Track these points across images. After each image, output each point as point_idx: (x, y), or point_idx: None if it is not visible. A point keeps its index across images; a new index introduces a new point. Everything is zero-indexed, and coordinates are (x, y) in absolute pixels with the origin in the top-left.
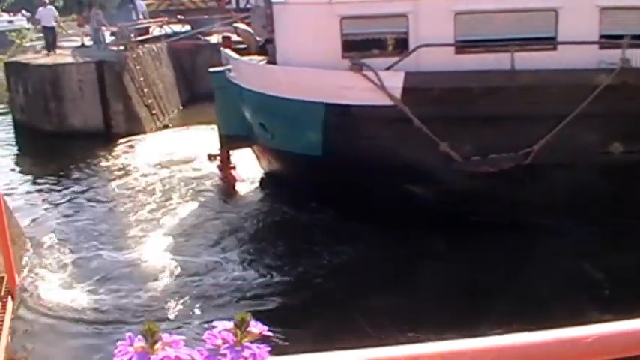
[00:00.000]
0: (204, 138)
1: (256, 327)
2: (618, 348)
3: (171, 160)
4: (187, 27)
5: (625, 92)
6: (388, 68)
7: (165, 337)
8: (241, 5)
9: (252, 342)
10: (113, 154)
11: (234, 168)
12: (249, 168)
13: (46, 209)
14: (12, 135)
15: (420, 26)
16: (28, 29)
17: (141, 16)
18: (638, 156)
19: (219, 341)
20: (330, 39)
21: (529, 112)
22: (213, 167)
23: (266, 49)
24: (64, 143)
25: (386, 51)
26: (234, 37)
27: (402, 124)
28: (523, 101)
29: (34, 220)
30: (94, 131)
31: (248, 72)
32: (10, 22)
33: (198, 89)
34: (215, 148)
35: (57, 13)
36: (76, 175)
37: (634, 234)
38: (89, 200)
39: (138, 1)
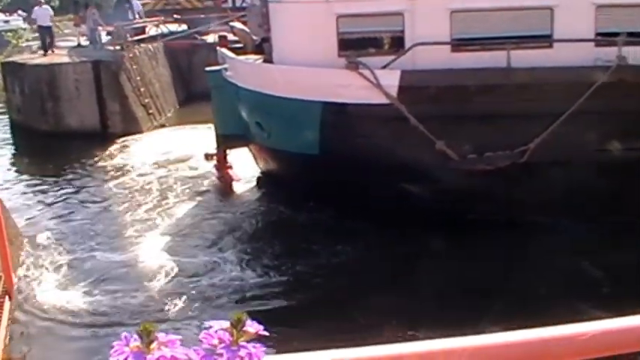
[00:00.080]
0: (201, 137)
1: (252, 327)
2: (614, 345)
3: (168, 159)
4: (184, 26)
5: (621, 90)
6: (384, 67)
7: (162, 336)
8: (237, 4)
9: (248, 342)
10: (110, 153)
11: (231, 167)
12: (246, 167)
13: (43, 209)
14: (8, 135)
15: (415, 24)
16: (25, 29)
17: (137, 16)
18: (635, 153)
19: (215, 341)
20: (326, 37)
21: (525, 110)
22: (210, 166)
23: (262, 48)
24: (61, 143)
25: (382, 49)
26: (231, 36)
27: (399, 123)
28: (519, 99)
29: (31, 220)
30: (90, 131)
31: (244, 71)
32: (6, 22)
33: (195, 89)
34: (212, 147)
35: (52, 13)
36: (73, 175)
37: (631, 232)
38: (86, 200)
39: (134, 1)
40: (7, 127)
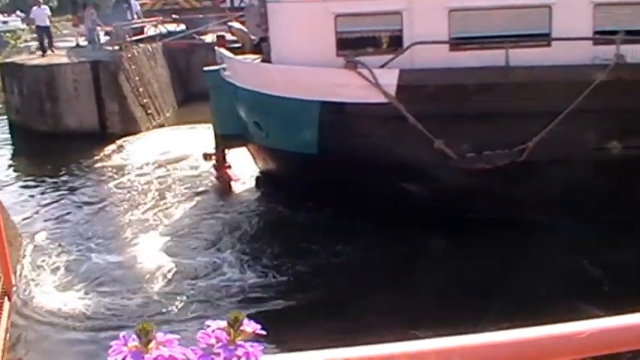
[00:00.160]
0: (200, 137)
1: (250, 326)
2: (613, 344)
3: (167, 159)
4: (182, 26)
5: (619, 88)
6: (382, 66)
7: (160, 336)
8: (236, 4)
9: (245, 341)
10: (109, 154)
11: (229, 167)
12: (244, 167)
13: (42, 210)
14: (7, 136)
15: (414, 23)
16: (23, 30)
17: (135, 16)
18: (634, 152)
19: (212, 340)
20: (324, 37)
21: (524, 109)
22: (208, 166)
23: (260, 47)
24: (60, 144)
25: (380, 48)
26: (229, 36)
27: (397, 122)
28: (518, 98)
29: (30, 221)
30: (89, 131)
31: (243, 71)
32: (5, 22)
33: (194, 88)
34: (210, 147)
35: (49, 13)
36: (72, 175)
37: (630, 230)
38: (85, 200)
39: (132, 1)
40: (6, 128)
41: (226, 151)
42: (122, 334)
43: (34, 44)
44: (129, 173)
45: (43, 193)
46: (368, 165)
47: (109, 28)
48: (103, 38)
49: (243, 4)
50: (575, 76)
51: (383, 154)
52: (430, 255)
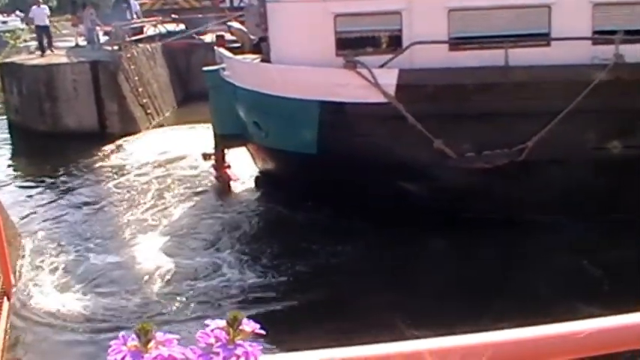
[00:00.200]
0: (199, 137)
1: (249, 325)
2: (612, 343)
3: (167, 159)
4: (182, 26)
5: (619, 88)
6: (382, 66)
7: (159, 335)
8: (235, 4)
9: (245, 340)
10: (108, 154)
11: (229, 167)
12: (244, 167)
13: (41, 210)
14: (6, 136)
15: (413, 23)
16: (22, 29)
17: (135, 16)
18: (633, 151)
19: (212, 340)
20: (323, 37)
21: (523, 109)
22: (208, 166)
23: (260, 47)
24: (59, 144)
25: (380, 48)
26: (229, 36)
27: (396, 122)
28: (517, 97)
29: (29, 221)
30: (88, 131)
31: (242, 71)
32: (4, 22)
33: (193, 88)
34: (210, 147)
35: (49, 12)
36: (71, 175)
37: (629, 229)
38: (84, 200)
39: (132, 1)
40: (5, 128)
41: (226, 150)
42: (121, 333)
43: (34, 44)
44: (128, 173)
45: (42, 193)
46: (367, 165)
47: (108, 28)
48: (103, 38)
49: (242, 4)
50: (574, 76)
51: (382, 153)
52: (430, 255)
